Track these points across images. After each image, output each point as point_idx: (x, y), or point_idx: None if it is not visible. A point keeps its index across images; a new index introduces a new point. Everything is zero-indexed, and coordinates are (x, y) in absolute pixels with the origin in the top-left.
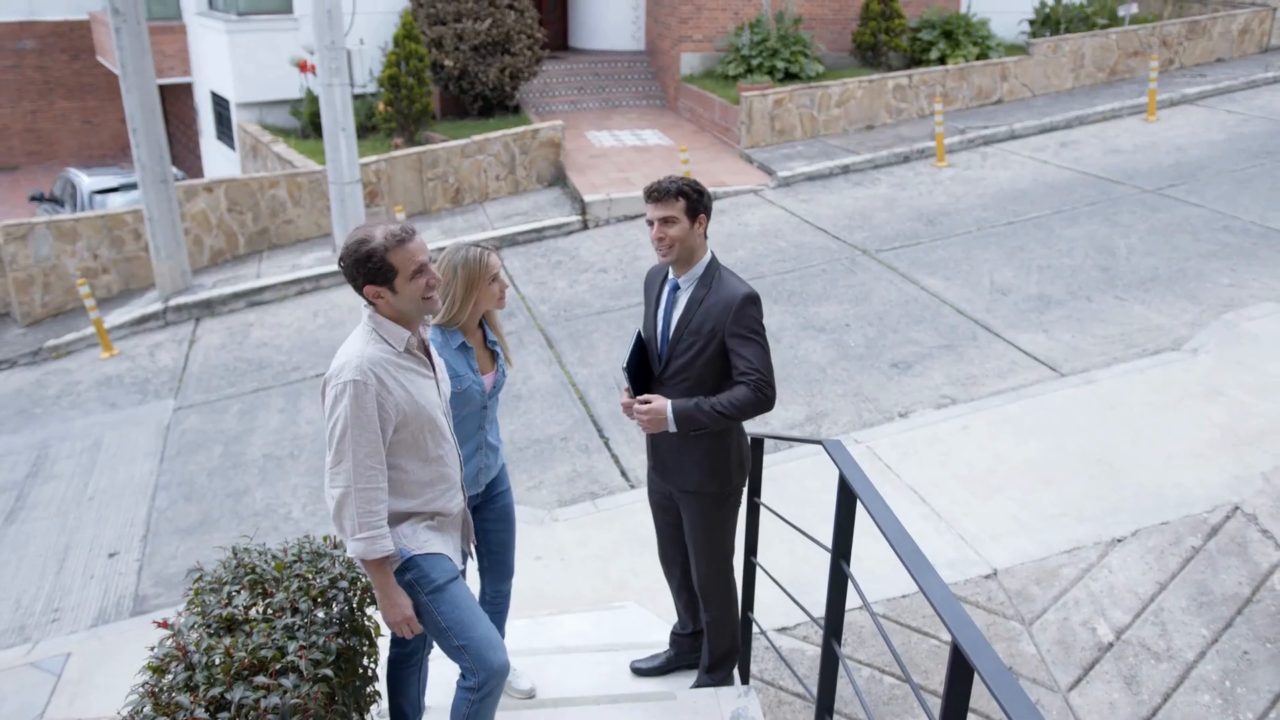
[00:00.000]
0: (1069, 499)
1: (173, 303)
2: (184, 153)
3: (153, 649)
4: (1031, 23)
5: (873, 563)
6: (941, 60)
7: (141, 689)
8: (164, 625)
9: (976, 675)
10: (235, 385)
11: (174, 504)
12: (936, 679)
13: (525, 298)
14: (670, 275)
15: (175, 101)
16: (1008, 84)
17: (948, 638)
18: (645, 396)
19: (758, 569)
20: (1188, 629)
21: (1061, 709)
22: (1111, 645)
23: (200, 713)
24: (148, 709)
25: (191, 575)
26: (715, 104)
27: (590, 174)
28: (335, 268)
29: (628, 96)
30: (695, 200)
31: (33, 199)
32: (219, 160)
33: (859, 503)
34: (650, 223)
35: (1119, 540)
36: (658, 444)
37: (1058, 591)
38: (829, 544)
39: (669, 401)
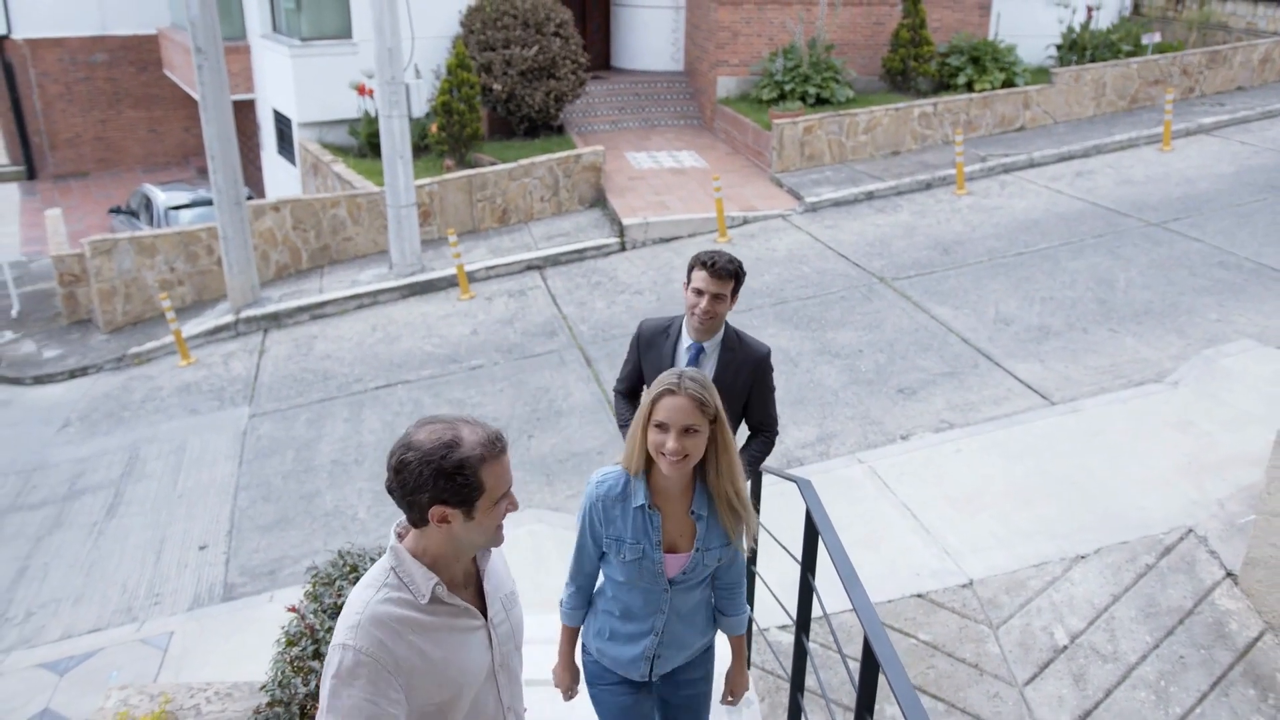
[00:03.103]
0: (1043, 519)
1: (243, 315)
2: (246, 164)
3: (284, 628)
4: (1059, 48)
5: (867, 570)
6: (969, 85)
7: (279, 656)
8: (294, 610)
9: (881, 667)
10: (303, 395)
11: (253, 504)
12: (912, 672)
13: (566, 317)
14: (690, 339)
15: (239, 116)
16: (1030, 111)
17: (924, 637)
18: None
19: (757, 576)
20: (1133, 635)
21: (1017, 700)
22: (1065, 648)
23: None
24: (287, 670)
25: (309, 572)
26: (749, 128)
27: (628, 196)
28: (390, 284)
29: (666, 116)
30: (741, 280)
31: (111, 211)
32: (280, 174)
33: (819, 537)
34: (699, 291)
35: (1082, 557)
36: None
37: (1024, 600)
38: (829, 554)
39: None
